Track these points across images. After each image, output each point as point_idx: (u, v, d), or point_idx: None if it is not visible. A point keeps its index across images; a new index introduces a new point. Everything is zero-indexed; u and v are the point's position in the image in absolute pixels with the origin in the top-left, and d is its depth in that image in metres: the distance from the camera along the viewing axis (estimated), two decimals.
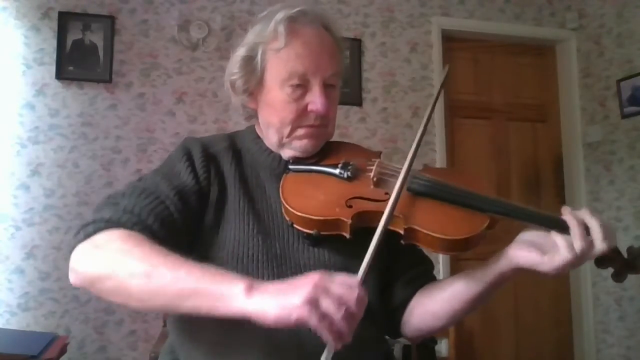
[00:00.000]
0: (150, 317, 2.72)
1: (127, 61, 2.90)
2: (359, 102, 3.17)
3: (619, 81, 3.20)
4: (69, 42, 2.82)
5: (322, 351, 0.73)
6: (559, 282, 3.46)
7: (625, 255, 0.88)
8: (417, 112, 3.26)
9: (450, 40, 3.42)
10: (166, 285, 0.75)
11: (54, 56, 2.79)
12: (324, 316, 0.68)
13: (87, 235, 0.84)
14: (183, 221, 0.91)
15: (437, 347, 2.75)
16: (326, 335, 0.69)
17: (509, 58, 3.57)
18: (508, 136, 3.51)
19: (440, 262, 3.12)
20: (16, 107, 2.74)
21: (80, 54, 2.82)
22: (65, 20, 2.82)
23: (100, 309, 2.69)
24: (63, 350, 1.88)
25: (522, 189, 3.47)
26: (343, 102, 3.13)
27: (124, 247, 0.80)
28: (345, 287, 0.70)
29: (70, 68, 2.81)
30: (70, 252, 0.85)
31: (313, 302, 0.67)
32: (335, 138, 1.10)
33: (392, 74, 3.27)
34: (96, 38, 2.86)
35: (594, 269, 3.34)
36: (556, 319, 3.44)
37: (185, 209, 0.92)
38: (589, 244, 0.80)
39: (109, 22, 2.87)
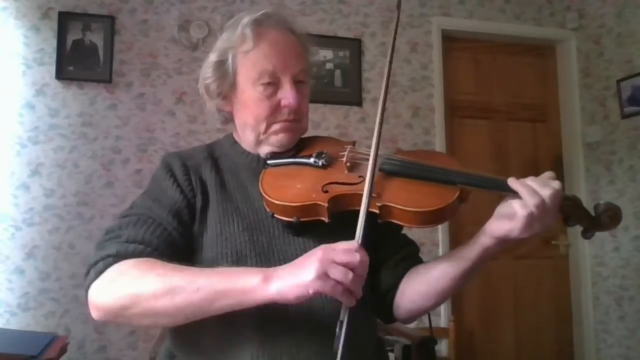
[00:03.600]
0: None
1: (127, 61, 2.90)
2: (359, 102, 3.17)
3: (619, 81, 3.20)
4: (69, 42, 2.82)
5: (314, 339, 0.82)
6: (559, 282, 3.47)
7: (593, 213, 0.95)
8: (417, 112, 3.26)
9: (450, 40, 3.42)
10: (190, 297, 0.81)
11: (54, 56, 2.79)
12: (335, 284, 0.77)
13: (99, 273, 0.88)
14: (181, 238, 0.96)
15: (437, 347, 2.75)
16: (340, 298, 0.78)
17: (509, 58, 3.57)
18: (508, 136, 3.51)
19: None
20: (16, 107, 2.74)
21: (80, 54, 2.82)
22: (65, 20, 2.82)
23: None
24: (63, 350, 1.88)
25: None
26: (343, 102, 3.14)
27: (138, 273, 0.86)
28: (347, 254, 0.78)
29: (70, 68, 2.81)
30: (86, 291, 0.90)
31: (324, 275, 0.76)
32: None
33: (392, 74, 3.23)
34: (96, 38, 2.86)
35: (594, 269, 3.36)
36: (556, 319, 3.43)
37: (181, 226, 0.97)
38: (536, 195, 0.86)
39: (109, 22, 2.87)
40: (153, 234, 0.93)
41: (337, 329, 0.80)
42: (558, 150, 3.58)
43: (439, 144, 3.26)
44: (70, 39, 2.82)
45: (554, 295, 3.44)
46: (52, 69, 2.78)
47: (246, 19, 1.03)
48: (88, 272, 0.90)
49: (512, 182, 0.89)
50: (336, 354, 0.79)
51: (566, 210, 0.94)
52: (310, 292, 0.76)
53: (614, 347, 3.19)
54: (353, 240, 0.82)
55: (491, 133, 3.49)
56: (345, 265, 0.77)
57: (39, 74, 2.78)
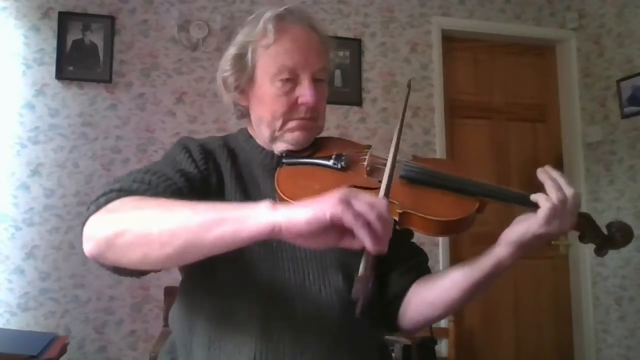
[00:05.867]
0: (151, 317, 2.73)
1: (127, 61, 2.90)
2: (359, 102, 3.17)
3: (619, 81, 3.20)
4: (69, 42, 2.82)
5: (320, 340, 0.75)
6: (559, 282, 3.47)
7: (605, 232, 0.96)
8: (417, 112, 3.26)
9: (450, 40, 3.42)
10: (187, 220, 0.73)
11: (54, 56, 2.79)
12: (358, 215, 0.67)
13: (99, 207, 0.83)
14: (190, 194, 0.91)
15: (437, 347, 2.75)
16: (363, 235, 0.67)
17: (509, 58, 3.57)
18: (508, 136, 3.51)
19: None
20: (16, 107, 2.74)
21: (80, 54, 2.82)
22: (65, 20, 2.82)
23: (100, 309, 2.69)
24: (63, 350, 1.88)
25: (522, 189, 3.46)
26: (343, 102, 3.14)
27: (138, 204, 0.81)
28: (372, 197, 0.70)
29: (70, 68, 2.81)
30: (83, 225, 0.84)
31: (346, 202, 0.67)
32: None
33: (392, 74, 3.27)
34: (96, 38, 2.86)
35: (594, 269, 3.36)
36: (556, 318, 3.43)
37: (191, 187, 0.93)
38: (561, 190, 0.88)
39: (109, 22, 2.87)
40: (161, 183, 0.89)
41: (356, 284, 0.71)
42: (558, 150, 3.58)
43: (439, 144, 3.26)
44: (70, 39, 2.82)
45: (554, 295, 3.44)
46: (52, 69, 2.78)
47: (268, 14, 1.01)
48: (89, 207, 0.85)
49: (541, 173, 0.90)
50: (355, 304, 0.72)
51: (582, 227, 0.95)
52: (328, 214, 0.66)
53: (614, 347, 3.19)
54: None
55: (491, 133, 3.49)
56: (370, 202, 0.69)
57: (39, 74, 2.78)
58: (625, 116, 3.17)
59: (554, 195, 0.87)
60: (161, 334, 2.33)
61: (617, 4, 3.28)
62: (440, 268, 3.11)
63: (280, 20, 1.01)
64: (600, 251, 0.98)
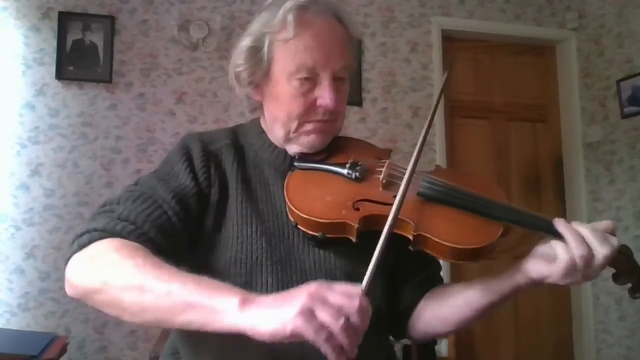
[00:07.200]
0: None
1: (127, 61, 2.90)
2: (359, 102, 3.17)
3: (619, 81, 3.20)
4: (69, 42, 2.82)
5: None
6: None
7: None
8: (417, 112, 3.26)
9: (450, 40, 3.42)
10: (158, 300, 0.72)
11: (54, 56, 2.79)
12: (320, 327, 0.64)
13: (82, 246, 0.81)
14: (182, 226, 0.88)
15: (437, 347, 2.75)
16: (325, 349, 0.65)
17: (509, 58, 3.57)
18: (508, 136, 3.52)
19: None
20: (16, 107, 2.74)
21: (80, 54, 2.82)
22: (65, 20, 2.82)
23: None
24: (63, 350, 1.88)
25: (522, 189, 3.47)
26: None
27: (117, 258, 0.77)
28: (345, 297, 0.66)
29: (70, 68, 2.81)
30: (66, 263, 0.83)
31: (308, 313, 0.64)
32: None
33: (392, 74, 3.27)
34: (96, 38, 2.86)
35: None
36: (556, 319, 3.43)
37: (184, 213, 0.89)
38: (587, 248, 0.78)
39: (109, 22, 2.87)
40: (149, 216, 0.85)
41: None
42: (558, 151, 3.58)
43: (439, 144, 3.26)
44: (70, 39, 2.82)
45: (554, 295, 3.44)
46: (52, 69, 2.78)
47: (290, 3, 0.92)
48: (73, 242, 0.83)
49: (559, 224, 0.81)
50: None
51: (618, 265, 0.85)
52: (288, 329, 0.63)
53: (614, 347, 3.19)
54: (357, 285, 0.70)
55: (491, 133, 3.49)
56: (338, 308, 0.65)
57: (39, 74, 2.78)
58: (625, 116, 3.17)
59: (575, 250, 0.78)
60: (161, 334, 2.32)
61: (617, 4, 3.28)
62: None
63: (302, 11, 0.92)
64: (635, 292, 0.88)
